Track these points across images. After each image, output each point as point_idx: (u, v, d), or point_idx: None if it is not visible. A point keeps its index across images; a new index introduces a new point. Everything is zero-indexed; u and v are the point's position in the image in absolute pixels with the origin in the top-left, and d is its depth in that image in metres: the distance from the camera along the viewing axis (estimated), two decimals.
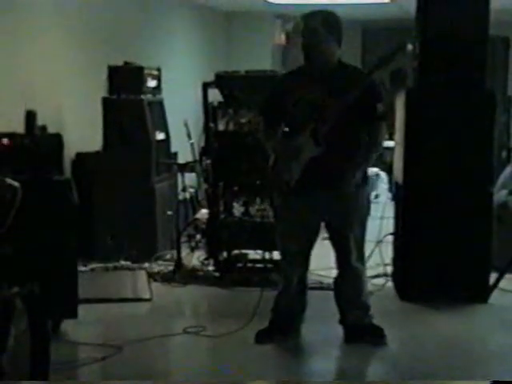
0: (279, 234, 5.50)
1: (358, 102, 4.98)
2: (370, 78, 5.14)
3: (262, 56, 10.86)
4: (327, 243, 5.46)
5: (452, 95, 6.04)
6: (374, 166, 7.71)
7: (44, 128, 6.43)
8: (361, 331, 5.45)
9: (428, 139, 6.16)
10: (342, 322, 5.46)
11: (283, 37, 10.85)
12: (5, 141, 5.84)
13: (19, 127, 6.13)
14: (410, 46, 6.53)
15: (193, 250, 7.37)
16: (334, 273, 5.62)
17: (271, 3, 10.59)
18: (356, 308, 5.43)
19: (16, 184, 4.51)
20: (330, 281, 5.86)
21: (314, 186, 5.11)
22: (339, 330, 5.49)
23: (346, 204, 5.25)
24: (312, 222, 5.31)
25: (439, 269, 6.27)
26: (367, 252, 5.75)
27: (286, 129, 5.25)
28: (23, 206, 4.53)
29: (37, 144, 6.12)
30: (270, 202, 6.85)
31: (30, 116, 6.17)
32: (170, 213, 7.53)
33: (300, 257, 5.38)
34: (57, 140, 6.24)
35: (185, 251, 7.29)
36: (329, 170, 5.09)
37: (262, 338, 5.40)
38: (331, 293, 5.60)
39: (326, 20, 5.10)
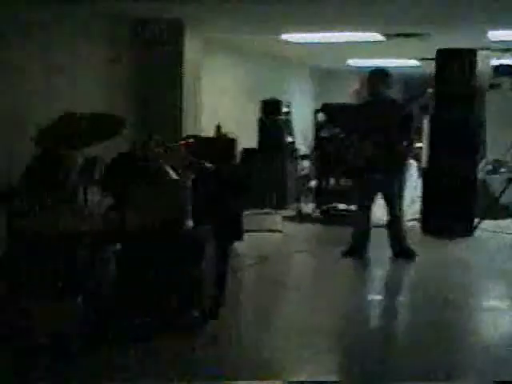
0: (356, 196, 7.16)
1: (400, 122, 6.60)
2: (407, 107, 6.98)
3: (345, 94, 13.32)
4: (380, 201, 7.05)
5: (449, 119, 8.34)
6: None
7: (225, 135, 8.92)
8: (401, 252, 6.96)
9: (438, 141, 8.52)
10: (391, 246, 7.00)
11: (358, 85, 12.31)
12: (204, 142, 7.57)
13: (211, 134, 8.96)
14: (429, 91, 8.83)
15: (307, 203, 9.90)
16: (385, 219, 7.11)
17: (352, 66, 13.73)
18: (399, 239, 6.96)
19: (211, 166, 6.06)
20: (382, 222, 7.27)
21: (375, 170, 6.65)
22: (388, 251, 7.03)
23: (392, 181, 6.77)
24: (371, 192, 6.86)
25: (449, 212, 8.23)
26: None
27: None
28: (215, 178, 6.07)
29: (221, 143, 8.32)
30: (349, 178, 8.65)
31: (218, 128, 9.07)
32: (294, 182, 10.26)
33: (367, 208, 6.94)
34: (232, 142, 8.43)
35: (303, 204, 9.81)
36: (381, 161, 6.56)
37: (345, 254, 7.02)
38: (382, 229, 7.12)
39: (381, 74, 6.82)
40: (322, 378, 3.94)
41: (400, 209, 6.91)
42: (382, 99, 6.74)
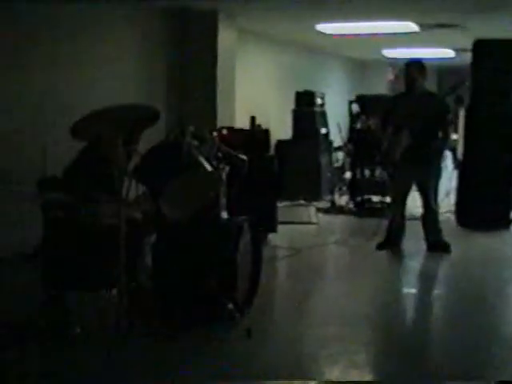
0: (391, 188, 7.24)
1: (436, 114, 6.56)
2: (443, 99, 6.90)
3: (380, 85, 13.68)
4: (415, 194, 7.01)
5: (487, 111, 8.29)
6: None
7: (259, 126, 8.93)
8: (436, 245, 6.91)
9: (474, 133, 8.46)
10: (426, 239, 6.95)
11: (392, 75, 13.20)
12: (239, 133, 7.67)
13: (245, 126, 8.88)
14: (466, 82, 8.51)
15: (341, 195, 10.13)
16: (419, 211, 7.12)
17: (386, 57, 13.70)
18: (434, 231, 6.93)
19: (245, 157, 5.78)
20: (417, 215, 7.28)
21: (410, 161, 6.56)
22: (423, 244, 7.02)
23: (427, 172, 6.74)
24: (406, 182, 6.82)
25: (485, 205, 8.14)
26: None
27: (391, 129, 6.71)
28: (249, 169, 5.85)
29: (255, 135, 8.16)
30: (384, 169, 8.61)
31: (252, 119, 9.06)
32: (328, 174, 10.35)
33: (402, 200, 6.90)
34: (266, 133, 8.30)
35: (337, 196, 10.08)
36: (417, 151, 6.52)
37: (379, 246, 7.03)
38: (417, 222, 7.11)
39: (417, 66, 6.77)
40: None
41: (435, 201, 6.90)
42: (419, 90, 6.73)
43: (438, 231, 6.96)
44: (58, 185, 4.62)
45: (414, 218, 7.38)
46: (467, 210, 8.38)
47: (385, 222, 7.19)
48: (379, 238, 7.16)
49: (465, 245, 7.31)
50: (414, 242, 7.19)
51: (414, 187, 6.98)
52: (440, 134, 6.73)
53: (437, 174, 6.88)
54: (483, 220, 8.20)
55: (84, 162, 4.77)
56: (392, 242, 7.06)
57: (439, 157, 6.97)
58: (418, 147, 6.52)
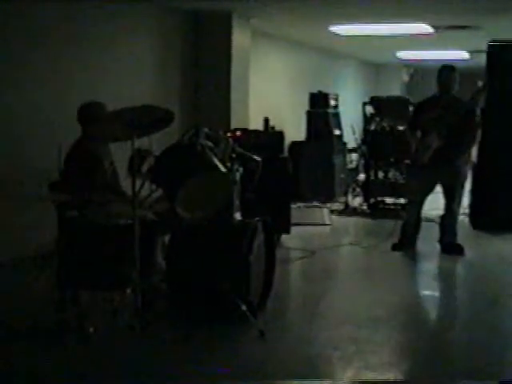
0: (411, 189, 7.15)
1: (464, 116, 6.60)
2: (471, 103, 6.78)
3: (394, 87, 13.73)
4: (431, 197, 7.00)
5: (499, 113, 8.14)
6: None
7: (273, 127, 9.04)
8: (450, 247, 6.96)
9: (489, 135, 8.15)
10: (440, 241, 6.99)
11: (407, 77, 13.38)
12: (252, 135, 7.67)
13: (259, 127, 8.98)
14: (480, 83, 8.15)
15: (355, 196, 9.93)
16: (433, 214, 7.47)
17: (401, 59, 13.67)
18: (450, 233, 6.96)
19: (259, 159, 5.70)
20: (430, 217, 7.59)
21: (437, 162, 6.59)
22: (437, 246, 7.06)
23: (454, 173, 6.75)
24: (431, 184, 6.85)
25: (499, 207, 8.02)
26: None
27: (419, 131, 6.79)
28: (263, 171, 5.72)
29: (269, 136, 8.24)
30: (400, 171, 9.17)
31: (266, 121, 9.11)
32: (342, 176, 10.37)
33: (421, 202, 6.91)
34: (280, 134, 8.21)
35: (350, 197, 9.86)
36: (446, 154, 6.55)
37: (395, 247, 7.06)
38: (430, 224, 7.34)
39: (451, 70, 6.81)
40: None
41: (459, 204, 6.95)
42: (450, 94, 6.83)
43: (454, 234, 6.99)
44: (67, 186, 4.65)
45: (429, 220, 7.44)
46: (481, 213, 8.31)
47: (398, 223, 7.23)
48: (394, 240, 7.17)
49: (479, 247, 7.28)
50: (427, 243, 7.21)
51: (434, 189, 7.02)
52: (467, 136, 6.83)
53: (464, 177, 6.95)
54: (497, 222, 8.12)
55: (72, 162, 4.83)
56: (407, 243, 7.09)
57: (466, 159, 7.02)
58: (447, 150, 6.58)
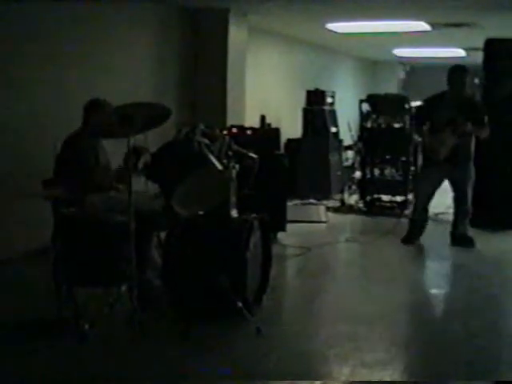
0: (420, 184, 7.30)
1: (474, 115, 6.83)
2: (482, 103, 7.19)
3: (390, 85, 13.76)
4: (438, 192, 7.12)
5: (497, 110, 7.76)
6: None
7: (269, 124, 9.28)
8: (461, 238, 7.18)
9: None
10: (452, 232, 7.19)
11: (403, 74, 13.46)
12: (249, 132, 7.84)
13: (255, 124, 9.01)
14: (476, 81, 8.78)
15: (351, 194, 10.02)
16: (436, 211, 7.82)
17: (397, 56, 13.74)
18: (462, 226, 7.18)
19: (255, 156, 5.84)
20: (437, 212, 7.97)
21: (451, 160, 6.78)
22: (437, 242, 7.27)
23: (466, 171, 6.97)
24: (442, 180, 7.03)
25: (498, 205, 8.05)
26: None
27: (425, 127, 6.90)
28: (259, 168, 5.86)
29: (265, 133, 8.39)
30: (396, 168, 9.19)
31: (263, 118, 9.30)
32: (338, 173, 10.37)
33: (428, 198, 7.12)
34: (276, 131, 8.39)
35: (346, 194, 9.92)
36: (457, 151, 6.74)
37: (404, 241, 7.25)
38: (431, 221, 7.48)
39: (463, 70, 6.95)
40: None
41: (470, 200, 7.09)
42: (461, 93, 6.95)
43: (465, 226, 7.17)
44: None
45: (431, 218, 7.50)
46: (480, 211, 8.00)
47: (399, 221, 7.41)
48: (392, 237, 7.28)
49: (477, 245, 7.24)
50: (427, 240, 7.28)
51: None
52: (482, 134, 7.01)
53: (472, 172, 7.10)
54: (496, 220, 8.11)
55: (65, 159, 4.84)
56: (414, 238, 7.26)
57: (472, 157, 7.17)
58: (460, 147, 6.78)
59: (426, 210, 7.22)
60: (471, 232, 7.29)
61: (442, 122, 6.75)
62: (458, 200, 7.09)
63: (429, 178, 7.06)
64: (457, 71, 6.94)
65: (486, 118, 6.91)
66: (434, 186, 7.06)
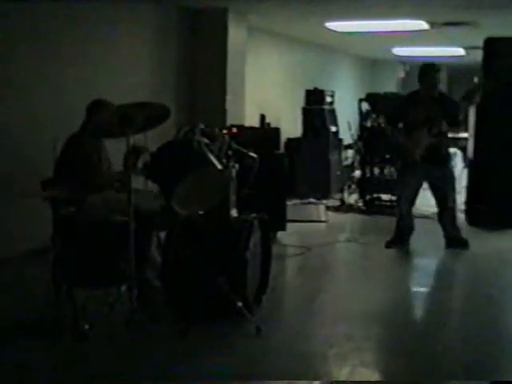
0: (401, 185, 7.10)
1: (448, 113, 6.70)
2: (455, 101, 6.88)
3: (390, 84, 13.80)
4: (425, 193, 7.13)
5: (496, 109, 8.11)
6: (452, 147, 8.82)
7: (269, 124, 9.19)
8: (455, 241, 7.06)
9: (485, 131, 8.29)
10: (445, 236, 7.05)
11: (402, 73, 13.47)
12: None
13: (255, 124, 9.10)
14: (476, 79, 8.45)
15: (351, 193, 10.03)
16: (429, 210, 7.58)
17: (397, 55, 13.78)
18: (452, 228, 7.04)
19: (255, 155, 5.54)
20: (427, 213, 7.77)
21: (429, 160, 6.66)
22: (433, 242, 7.15)
23: (445, 171, 6.89)
24: (422, 181, 6.92)
25: (495, 204, 8.05)
26: None
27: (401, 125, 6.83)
28: (259, 167, 5.52)
29: (265, 133, 8.33)
30: (396, 167, 8.54)
31: (262, 117, 9.25)
32: (338, 172, 10.38)
33: (410, 198, 6.98)
34: (276, 131, 8.21)
35: (346, 194, 9.89)
36: (434, 151, 6.66)
37: (388, 244, 7.10)
38: (426, 220, 7.57)
39: (435, 67, 6.85)
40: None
41: (454, 199, 6.99)
42: (435, 91, 6.87)
43: (456, 228, 7.06)
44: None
45: (424, 217, 7.55)
46: (477, 209, 8.31)
47: (393, 220, 7.22)
48: (388, 236, 7.19)
49: (475, 244, 7.22)
50: (423, 240, 7.25)
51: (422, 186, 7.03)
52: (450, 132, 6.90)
53: (452, 172, 7.04)
54: (493, 219, 8.12)
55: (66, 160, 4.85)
56: (401, 240, 7.11)
57: (450, 156, 7.15)
58: (436, 147, 6.67)
59: (411, 216, 7.08)
60: (471, 231, 7.29)
61: (417, 121, 6.67)
62: (440, 204, 6.97)
63: (408, 182, 6.93)
64: (428, 69, 6.83)
65: (461, 116, 6.84)
66: (414, 188, 6.93)
